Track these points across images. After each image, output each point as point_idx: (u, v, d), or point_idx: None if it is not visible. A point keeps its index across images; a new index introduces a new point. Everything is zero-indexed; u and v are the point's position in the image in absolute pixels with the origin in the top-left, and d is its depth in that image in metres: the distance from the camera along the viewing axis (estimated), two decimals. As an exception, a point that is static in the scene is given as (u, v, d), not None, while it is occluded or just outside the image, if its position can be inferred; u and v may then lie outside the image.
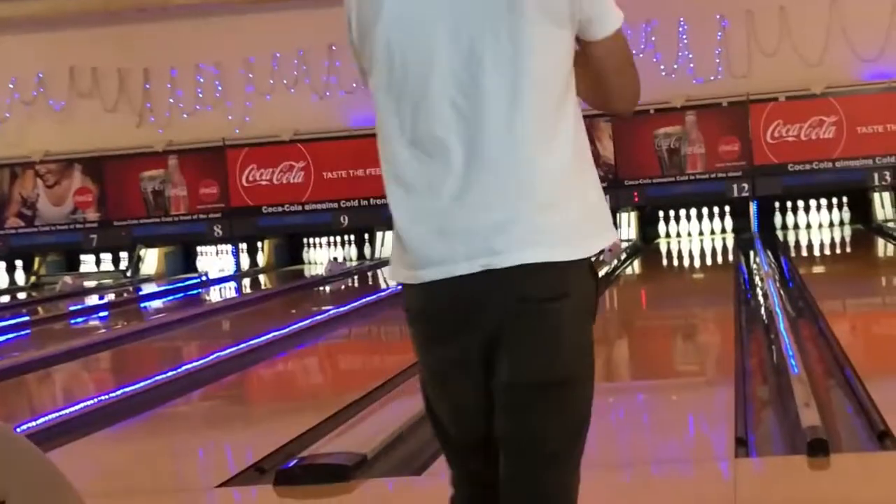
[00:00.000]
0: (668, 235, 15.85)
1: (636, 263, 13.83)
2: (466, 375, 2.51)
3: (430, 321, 2.53)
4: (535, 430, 2.47)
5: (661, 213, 15.89)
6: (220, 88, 16.75)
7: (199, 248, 16.99)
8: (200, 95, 16.81)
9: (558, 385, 2.47)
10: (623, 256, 13.67)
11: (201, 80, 16.81)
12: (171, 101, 16.85)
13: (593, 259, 2.55)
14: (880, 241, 14.06)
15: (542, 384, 2.46)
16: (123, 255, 16.89)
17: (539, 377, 2.46)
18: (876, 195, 15.49)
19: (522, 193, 2.43)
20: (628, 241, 15.08)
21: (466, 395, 2.53)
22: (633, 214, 15.69)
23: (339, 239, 16.66)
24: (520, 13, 2.41)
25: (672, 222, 15.92)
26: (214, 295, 14.61)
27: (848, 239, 14.87)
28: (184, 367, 7.94)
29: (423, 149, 2.48)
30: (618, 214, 15.55)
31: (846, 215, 15.78)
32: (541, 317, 2.44)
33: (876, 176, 15.42)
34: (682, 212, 15.85)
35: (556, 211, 2.44)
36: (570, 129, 2.49)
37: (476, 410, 2.52)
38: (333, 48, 16.10)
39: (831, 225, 15.74)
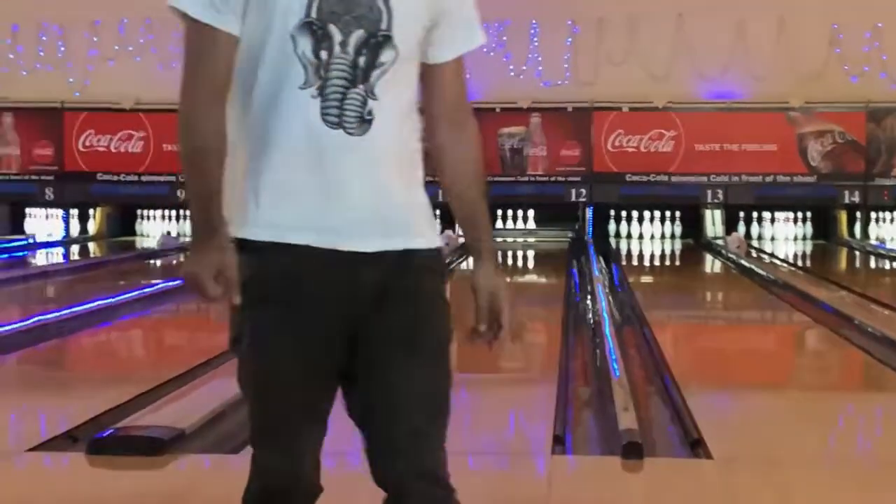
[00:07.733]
0: (505, 234, 16.02)
1: (471, 260, 13.89)
2: None
3: None
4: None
5: (499, 212, 16.05)
6: (62, 49, 16.33)
7: (27, 210, 16.57)
8: (42, 54, 16.36)
9: None
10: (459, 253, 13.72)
11: (44, 38, 16.36)
12: (11, 56, 16.36)
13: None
14: (708, 257, 14.42)
15: None
16: (-52, 210, 16.38)
17: None
18: (707, 212, 15.88)
19: None
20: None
21: None
22: (472, 211, 15.79)
23: (174, 213, 16.42)
24: None
25: (510, 221, 16.10)
26: (40, 259, 14.25)
27: (678, 252, 15.21)
28: (1, 329, 7.72)
29: None
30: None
31: (678, 229, 16.16)
32: None
33: (709, 193, 15.81)
34: (520, 212, 16.05)
35: None
36: None
37: None
38: (183, 18, 15.85)
39: (663, 237, 16.10)
